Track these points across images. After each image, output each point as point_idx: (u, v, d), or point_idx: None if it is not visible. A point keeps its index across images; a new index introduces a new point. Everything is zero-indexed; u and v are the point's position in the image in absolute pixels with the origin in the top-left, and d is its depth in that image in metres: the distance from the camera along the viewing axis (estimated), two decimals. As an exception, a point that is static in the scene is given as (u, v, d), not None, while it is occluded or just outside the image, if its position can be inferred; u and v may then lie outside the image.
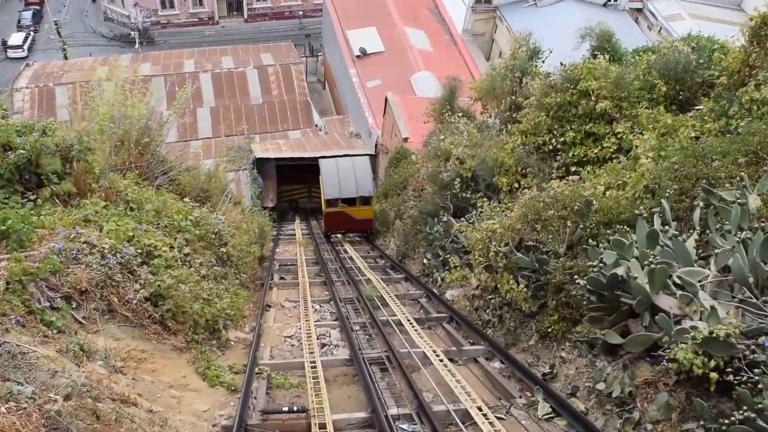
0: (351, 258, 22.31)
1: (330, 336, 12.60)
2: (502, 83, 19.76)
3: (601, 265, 8.63)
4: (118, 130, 15.14)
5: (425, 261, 18.26)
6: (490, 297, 12.60)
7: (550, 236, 10.43)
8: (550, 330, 10.13)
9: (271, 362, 11.10)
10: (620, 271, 8.16)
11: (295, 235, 31.89)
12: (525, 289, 10.46)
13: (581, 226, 10.34)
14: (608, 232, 9.92)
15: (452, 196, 17.28)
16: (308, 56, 62.53)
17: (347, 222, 26.03)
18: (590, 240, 9.72)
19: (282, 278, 19.99)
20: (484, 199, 16.25)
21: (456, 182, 17.02)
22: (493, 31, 50.44)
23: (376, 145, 40.85)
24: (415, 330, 12.43)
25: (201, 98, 50.88)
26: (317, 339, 12.21)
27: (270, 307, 15.09)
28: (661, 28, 43.42)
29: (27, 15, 71.18)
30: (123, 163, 15.75)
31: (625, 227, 9.44)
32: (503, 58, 21.22)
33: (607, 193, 10.98)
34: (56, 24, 62.91)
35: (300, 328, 12.77)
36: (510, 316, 11.39)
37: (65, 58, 57.55)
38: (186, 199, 15.16)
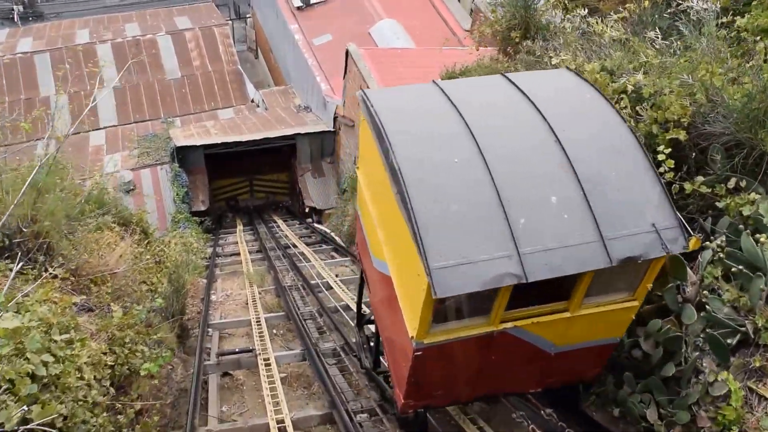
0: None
1: None
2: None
3: None
4: None
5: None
6: None
7: None
8: None
9: None
10: None
11: (238, 253, 21.62)
12: None
13: None
14: None
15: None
16: (234, 19, 51.39)
17: (514, 368, 6.09)
18: None
19: (226, 383, 9.62)
20: (752, 194, 6.06)
21: (663, 155, 6.39)
22: (464, -33, 41.49)
23: (335, 118, 31.38)
24: None
25: (100, 76, 40.05)
26: None
27: None
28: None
29: None
30: None
31: None
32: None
33: None
34: None
35: None
36: None
37: None
38: None
